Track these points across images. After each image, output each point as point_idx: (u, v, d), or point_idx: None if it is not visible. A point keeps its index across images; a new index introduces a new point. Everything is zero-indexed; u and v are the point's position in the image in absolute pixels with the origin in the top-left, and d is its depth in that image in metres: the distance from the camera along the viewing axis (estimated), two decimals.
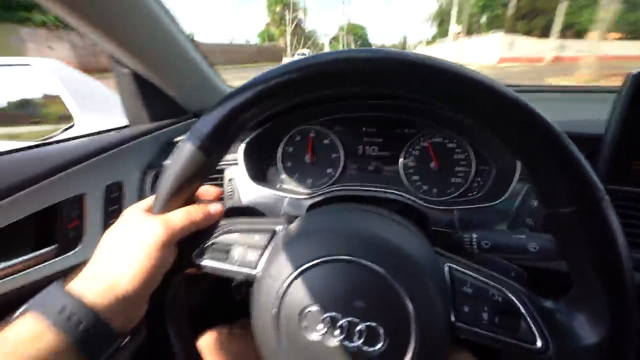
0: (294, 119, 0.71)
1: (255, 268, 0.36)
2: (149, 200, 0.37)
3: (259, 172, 0.71)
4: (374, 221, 0.36)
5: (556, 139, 0.25)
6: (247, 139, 0.68)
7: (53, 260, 0.54)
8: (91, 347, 0.28)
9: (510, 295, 0.30)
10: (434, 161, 0.66)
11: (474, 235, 0.46)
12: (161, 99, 0.71)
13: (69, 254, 0.56)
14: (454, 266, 0.32)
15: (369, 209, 0.38)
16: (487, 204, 0.56)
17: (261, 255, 0.36)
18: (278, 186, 0.71)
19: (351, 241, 0.31)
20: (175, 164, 0.34)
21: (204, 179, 0.37)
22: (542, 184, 0.27)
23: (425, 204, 0.60)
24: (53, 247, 0.54)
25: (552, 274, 0.30)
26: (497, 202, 0.55)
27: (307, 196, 0.65)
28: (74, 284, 0.30)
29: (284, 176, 0.73)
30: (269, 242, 0.37)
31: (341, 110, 0.70)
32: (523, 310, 0.29)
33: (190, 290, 0.61)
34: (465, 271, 0.32)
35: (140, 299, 0.32)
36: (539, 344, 0.28)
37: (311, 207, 0.64)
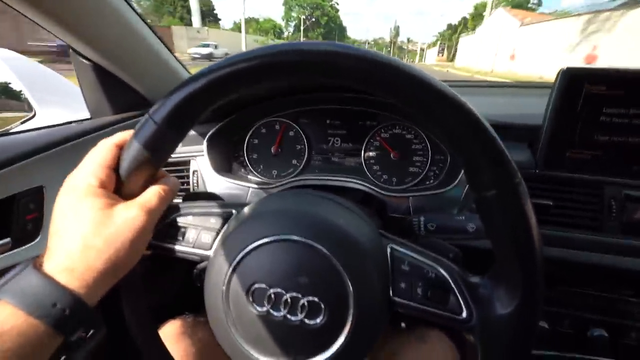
0: (259, 112, 0.73)
1: (209, 249, 0.37)
2: (97, 172, 0.33)
3: (224, 163, 0.72)
4: (321, 204, 0.38)
5: (481, 130, 0.28)
6: (212, 131, 0.69)
7: (8, 253, 0.53)
8: (70, 328, 0.29)
9: (442, 271, 0.33)
10: (392, 152, 0.69)
11: (421, 218, 0.49)
12: (124, 90, 0.71)
13: (27, 246, 0.56)
14: (395, 247, 0.35)
15: (319, 194, 0.40)
16: (439, 191, 0.60)
17: (215, 237, 0.38)
18: (243, 177, 0.73)
19: (297, 222, 0.33)
20: (135, 144, 0.33)
21: (163, 161, 0.37)
22: (470, 170, 0.30)
23: (383, 192, 0.63)
24: (7, 240, 0.53)
25: (486, 252, 0.33)
26: (447, 189, 0.59)
27: (271, 186, 0.66)
28: (58, 274, 0.29)
29: (249, 168, 0.74)
30: (223, 225, 0.38)
31: (305, 103, 0.72)
32: (452, 285, 0.32)
33: (160, 278, 0.61)
34: (405, 251, 0.34)
35: (115, 282, 0.33)
36: (464, 314, 0.31)
37: None
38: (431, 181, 0.68)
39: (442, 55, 54.37)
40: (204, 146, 0.67)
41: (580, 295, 0.58)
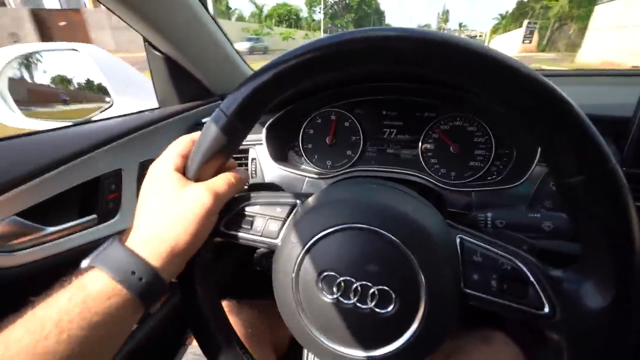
0: (315, 102, 0.73)
1: (277, 238, 0.38)
2: (174, 159, 0.38)
3: (281, 152, 0.74)
4: (389, 193, 0.37)
5: (565, 107, 0.25)
6: (270, 121, 0.70)
7: (95, 227, 0.59)
8: (149, 298, 0.32)
9: (519, 263, 0.30)
10: (452, 145, 0.66)
11: (489, 214, 0.47)
12: (190, 82, 0.75)
13: (109, 222, 0.62)
14: (465, 237, 0.33)
15: (384, 183, 0.39)
16: (505, 187, 0.56)
17: (282, 226, 0.39)
18: (298, 167, 0.74)
19: (366, 210, 0.33)
20: (207, 136, 0.36)
21: (232, 151, 0.39)
22: (550, 153, 0.28)
23: (445, 186, 0.61)
24: (94, 216, 0.59)
25: (561, 254, 0.30)
26: (516, 184, 0.56)
27: (326, 176, 0.67)
28: (136, 247, 0.32)
29: (304, 157, 0.75)
30: (289, 214, 0.39)
31: (362, 93, 0.71)
32: (531, 278, 0.30)
33: (217, 262, 0.65)
34: (476, 241, 0.33)
35: (186, 258, 0.36)
36: (546, 309, 0.29)
37: None
38: (494, 176, 0.64)
39: (530, 41, 29.72)
40: (262, 135, 0.69)
41: None
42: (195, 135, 0.39)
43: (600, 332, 0.28)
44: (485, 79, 0.27)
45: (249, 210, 0.41)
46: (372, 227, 0.32)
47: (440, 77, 0.29)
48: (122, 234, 0.35)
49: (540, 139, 0.28)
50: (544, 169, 0.55)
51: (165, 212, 0.34)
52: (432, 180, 0.62)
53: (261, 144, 0.70)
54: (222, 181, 0.37)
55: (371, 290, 0.31)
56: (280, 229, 0.39)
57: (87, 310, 0.28)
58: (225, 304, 0.65)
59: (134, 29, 0.61)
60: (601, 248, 0.27)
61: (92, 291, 0.29)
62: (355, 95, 0.72)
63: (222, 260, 0.78)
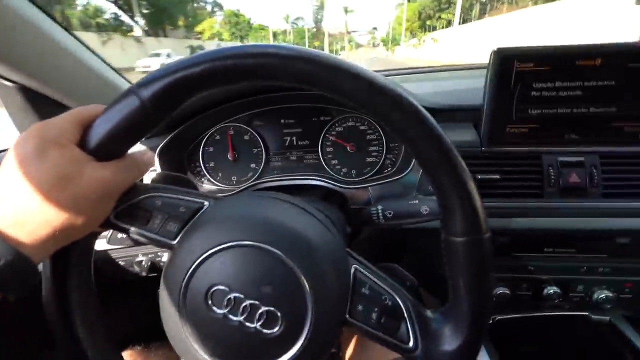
0: (210, 119, 0.71)
1: (174, 240, 0.35)
2: (70, 127, 0.31)
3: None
4: (298, 216, 0.37)
5: (462, 181, 0.29)
6: (163, 144, 0.66)
7: None
8: (13, 288, 0.27)
9: (399, 301, 0.34)
10: (348, 145, 0.70)
11: (379, 207, 0.51)
12: (59, 110, 0.66)
13: None
14: (360, 268, 0.35)
15: (300, 204, 0.39)
16: (394, 178, 0.62)
17: (182, 227, 0.35)
18: (201, 188, 0.71)
19: (265, 229, 0.33)
20: (115, 112, 0.31)
21: (138, 138, 0.34)
22: (444, 213, 0.32)
23: (342, 186, 0.64)
24: None
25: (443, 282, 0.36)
26: (403, 175, 0.61)
27: (232, 194, 0.65)
28: (9, 230, 0.26)
29: (206, 177, 0.72)
30: (192, 216, 0.36)
31: (257, 105, 0.71)
32: (405, 315, 0.34)
33: (119, 307, 0.58)
34: (368, 274, 0.35)
35: (64, 244, 0.31)
36: (410, 344, 0.33)
37: None
38: (389, 169, 0.70)
39: None
40: (155, 160, 0.64)
41: (532, 258, 0.63)
42: (98, 108, 0.33)
43: None
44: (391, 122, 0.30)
45: (148, 203, 0.36)
46: (269, 247, 0.32)
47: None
48: None
49: (437, 197, 0.32)
50: None
51: (57, 188, 0.28)
52: (333, 183, 0.65)
53: (155, 170, 0.65)
54: (127, 161, 0.33)
55: (260, 310, 0.31)
56: (180, 230, 0.35)
57: None
58: (128, 352, 0.59)
59: None
60: (464, 299, 0.32)
61: None
62: (251, 107, 0.71)
63: (124, 305, 0.71)
